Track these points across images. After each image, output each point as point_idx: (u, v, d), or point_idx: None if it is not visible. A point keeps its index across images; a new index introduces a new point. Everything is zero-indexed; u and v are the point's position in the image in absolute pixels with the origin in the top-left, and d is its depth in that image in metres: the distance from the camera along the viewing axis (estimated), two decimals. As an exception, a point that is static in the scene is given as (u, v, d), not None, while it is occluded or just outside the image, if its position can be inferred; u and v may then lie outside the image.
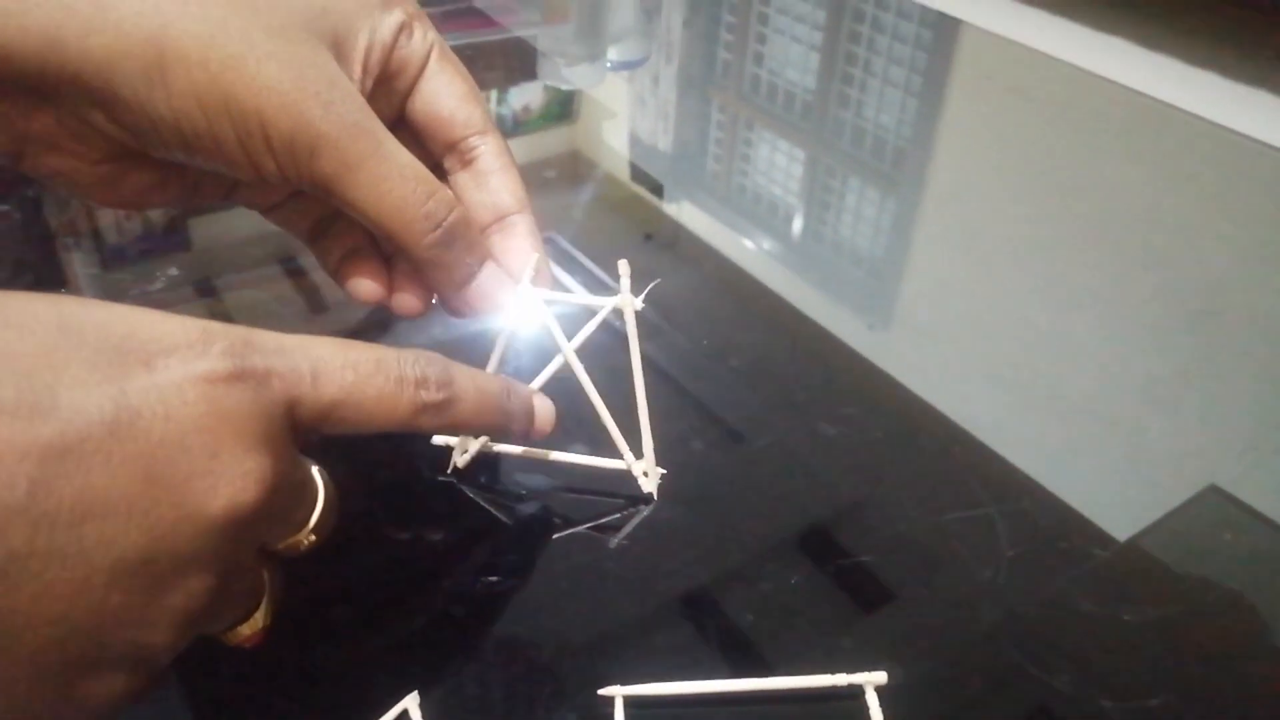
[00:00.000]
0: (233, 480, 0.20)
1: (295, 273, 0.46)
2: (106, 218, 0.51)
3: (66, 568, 0.18)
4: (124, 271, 0.47)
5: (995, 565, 0.31)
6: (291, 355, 0.23)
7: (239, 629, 0.24)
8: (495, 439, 0.33)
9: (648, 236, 0.53)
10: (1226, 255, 0.52)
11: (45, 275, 0.47)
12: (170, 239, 0.50)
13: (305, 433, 0.23)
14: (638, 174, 0.61)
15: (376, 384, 0.24)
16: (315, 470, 0.25)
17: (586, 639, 0.29)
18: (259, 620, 0.24)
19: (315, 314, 0.44)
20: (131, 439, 0.19)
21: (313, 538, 0.25)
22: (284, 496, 0.22)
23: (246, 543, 0.22)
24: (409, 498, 0.34)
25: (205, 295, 0.44)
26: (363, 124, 0.27)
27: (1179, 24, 0.71)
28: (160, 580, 0.19)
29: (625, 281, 0.31)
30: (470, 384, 0.27)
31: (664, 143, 0.64)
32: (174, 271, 0.47)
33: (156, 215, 0.51)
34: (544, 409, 0.31)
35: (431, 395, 0.25)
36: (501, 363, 0.33)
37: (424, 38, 0.30)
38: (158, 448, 0.19)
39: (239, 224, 0.51)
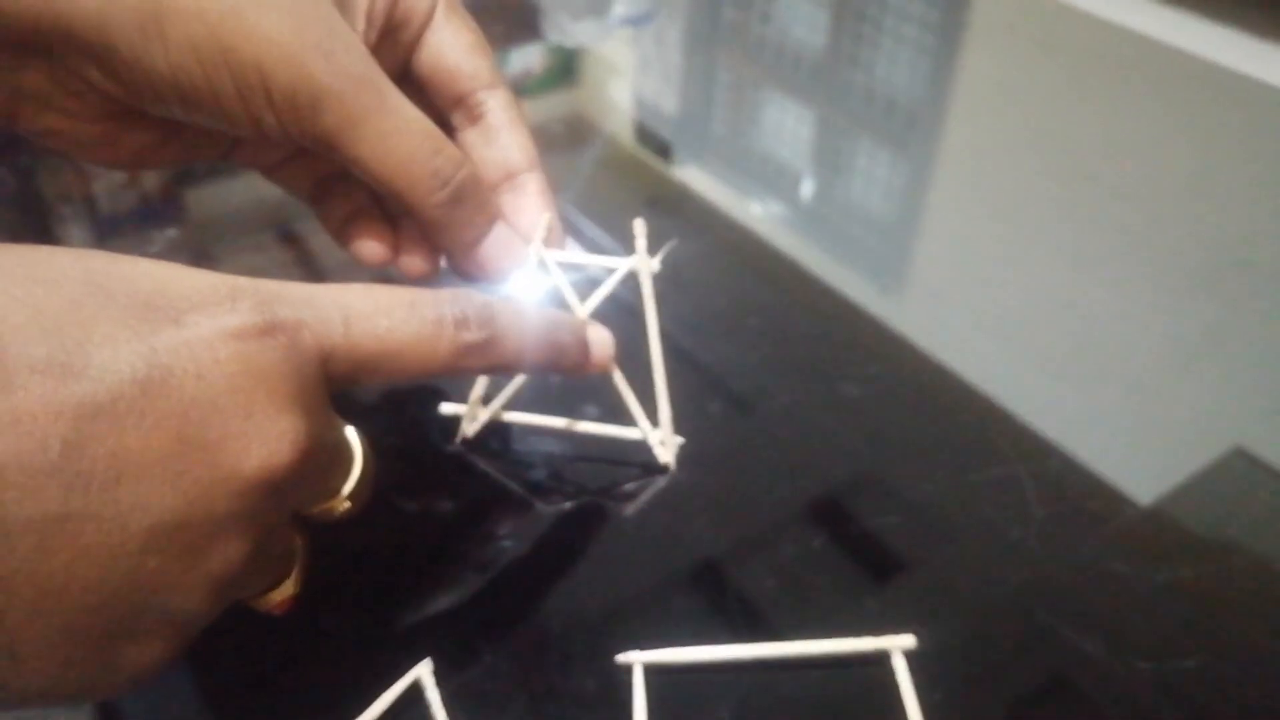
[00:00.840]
0: (266, 441, 0.20)
1: (292, 239, 0.46)
2: (101, 186, 0.50)
3: (102, 530, 0.18)
4: (119, 240, 0.47)
5: (1024, 526, 0.31)
6: (322, 305, 0.22)
7: (270, 595, 0.24)
8: (546, 375, 0.30)
9: (653, 201, 0.52)
10: (1252, 211, 0.51)
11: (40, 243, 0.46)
12: (165, 207, 0.49)
13: (341, 384, 0.23)
14: (642, 137, 0.59)
15: (413, 328, 0.23)
16: (352, 433, 0.24)
17: (603, 605, 0.28)
18: (289, 587, 0.24)
19: (315, 280, 0.43)
20: (164, 397, 0.18)
21: (348, 504, 0.24)
22: (319, 458, 0.22)
23: (281, 506, 0.21)
24: (419, 467, 0.33)
25: (202, 261, 0.43)
26: (367, 76, 0.26)
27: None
28: (195, 544, 0.19)
29: (641, 242, 0.31)
30: (514, 320, 0.26)
31: (669, 105, 0.63)
32: (171, 234, 0.46)
33: (151, 183, 0.50)
34: (600, 340, 0.30)
35: (473, 335, 0.24)
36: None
37: (430, -12, 0.29)
38: (190, 407, 0.19)
39: (235, 192, 0.50)
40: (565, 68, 0.65)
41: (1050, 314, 0.43)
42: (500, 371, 0.27)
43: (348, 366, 0.22)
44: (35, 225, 0.48)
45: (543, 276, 0.31)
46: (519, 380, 0.32)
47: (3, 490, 0.17)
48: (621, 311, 0.33)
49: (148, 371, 0.18)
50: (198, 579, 0.19)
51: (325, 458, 0.22)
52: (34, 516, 0.17)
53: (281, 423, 0.20)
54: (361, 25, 0.28)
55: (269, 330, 0.20)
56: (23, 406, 0.17)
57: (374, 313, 0.23)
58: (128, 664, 0.19)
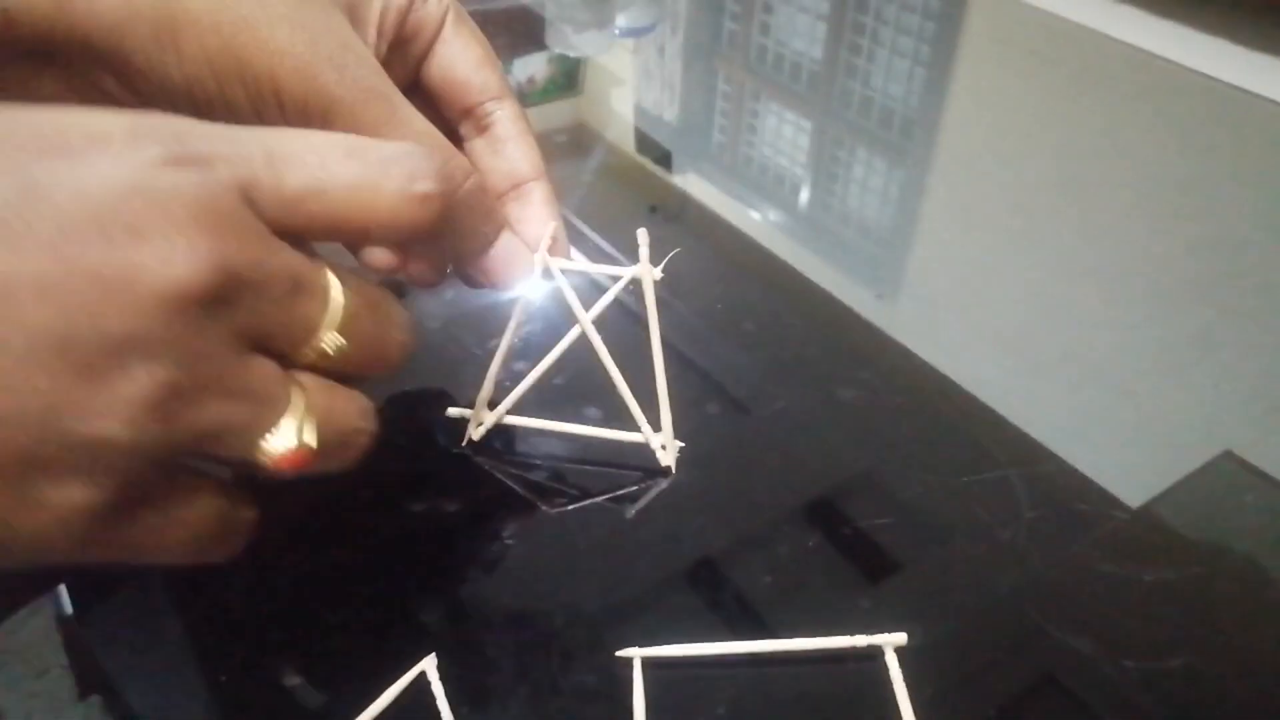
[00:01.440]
0: (160, 255, 0.19)
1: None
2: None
3: None
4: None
5: (1014, 527, 0.31)
6: (242, 141, 0.21)
7: (269, 447, 0.21)
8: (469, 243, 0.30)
9: (653, 208, 0.53)
10: (1242, 219, 0.52)
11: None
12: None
13: (278, 228, 0.22)
14: (643, 146, 0.60)
15: (352, 170, 0.22)
16: (332, 270, 0.23)
17: (604, 602, 0.29)
18: (292, 435, 0.22)
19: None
20: (38, 217, 0.18)
21: (340, 341, 0.22)
22: (249, 281, 0.20)
23: (207, 330, 0.20)
24: (426, 468, 0.34)
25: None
26: (377, 88, 0.27)
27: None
28: (90, 363, 0.18)
29: (644, 251, 0.31)
30: (469, 175, 0.26)
31: (670, 114, 0.64)
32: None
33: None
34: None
35: (425, 187, 0.23)
36: (517, 333, 0.32)
37: (439, 1, 0.30)
38: (69, 226, 0.18)
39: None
40: (568, 77, 0.66)
41: (1042, 320, 0.44)
42: (437, 232, 0.25)
43: (276, 206, 0.21)
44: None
45: (548, 284, 0.32)
46: (524, 385, 0.33)
47: None
48: (622, 317, 0.33)
49: (20, 195, 0.18)
50: (105, 403, 0.18)
51: (264, 282, 0.21)
52: None
53: (182, 241, 0.19)
54: (373, 38, 0.29)
55: (174, 161, 0.20)
56: None
57: (305, 150, 0.22)
58: (49, 504, 0.19)
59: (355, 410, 0.24)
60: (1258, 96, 0.60)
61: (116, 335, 0.18)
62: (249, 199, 0.21)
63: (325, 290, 0.22)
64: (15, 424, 0.18)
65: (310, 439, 0.22)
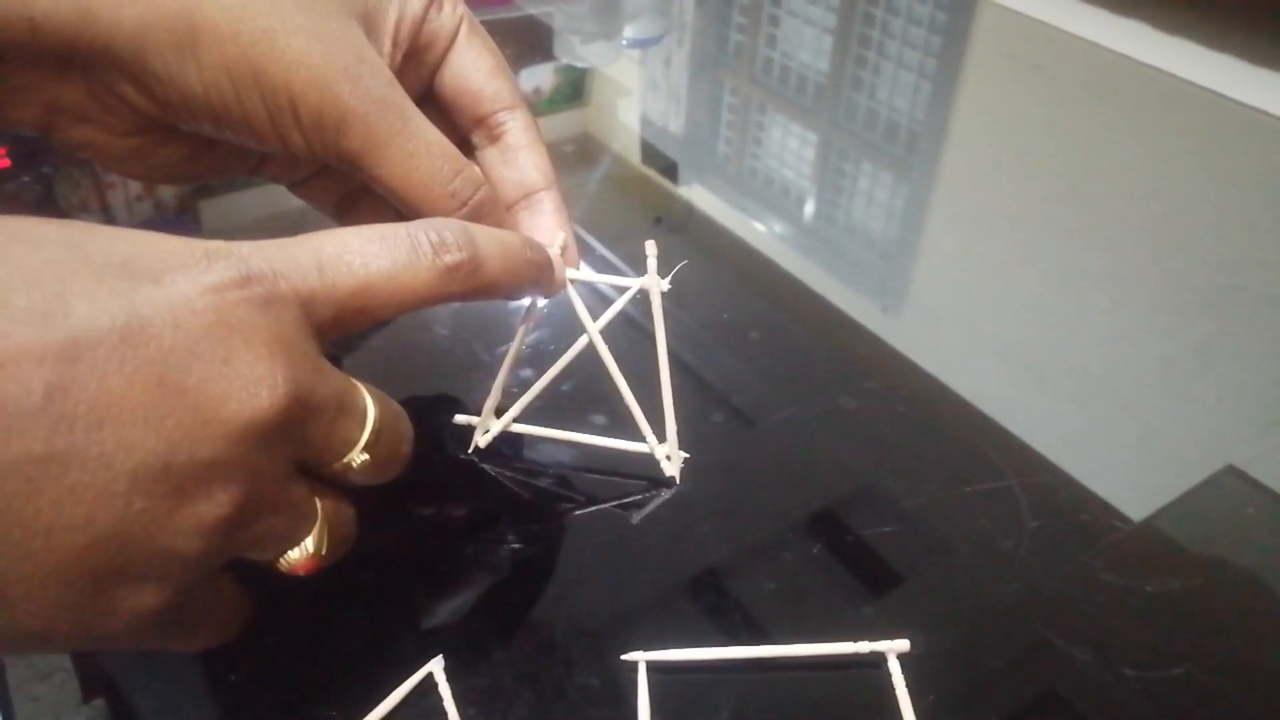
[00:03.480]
0: (246, 386, 0.20)
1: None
2: (117, 198, 0.51)
3: (87, 471, 0.18)
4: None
5: (1017, 537, 0.32)
6: (294, 254, 0.22)
7: (290, 556, 0.23)
8: (517, 296, 0.30)
9: (658, 219, 0.53)
10: (1245, 234, 0.52)
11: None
12: (180, 219, 0.50)
13: (331, 330, 0.23)
14: (649, 157, 0.61)
15: (389, 258, 0.23)
16: (366, 390, 0.24)
17: (609, 607, 0.29)
18: (310, 546, 0.23)
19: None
20: (144, 345, 0.19)
21: (364, 457, 0.24)
22: (309, 405, 0.22)
23: (274, 454, 0.21)
24: (434, 474, 0.34)
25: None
26: (390, 99, 0.27)
27: (1200, 8, 0.71)
28: (182, 486, 0.19)
29: (652, 263, 0.31)
30: (493, 241, 0.26)
31: (675, 125, 0.64)
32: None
33: (166, 195, 0.51)
34: (559, 257, 0.30)
35: (454, 256, 0.25)
36: (524, 340, 0.33)
37: (453, 11, 0.30)
38: (169, 354, 0.19)
39: (248, 205, 0.51)
40: (574, 88, 0.67)
41: (1046, 333, 0.44)
42: (484, 295, 0.26)
43: (330, 310, 0.23)
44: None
45: (563, 297, 0.32)
46: (531, 393, 0.33)
47: None
48: (627, 326, 0.34)
49: (126, 321, 0.19)
50: (188, 522, 0.20)
51: (321, 407, 0.22)
52: (19, 458, 0.18)
53: (259, 369, 0.20)
54: (387, 48, 0.29)
55: (244, 283, 0.21)
56: (6, 353, 0.17)
57: (345, 251, 0.23)
58: (123, 608, 0.20)
59: (352, 519, 0.25)
60: (1261, 112, 0.60)
61: (207, 461, 0.20)
62: (308, 311, 0.22)
63: (364, 412, 0.24)
64: (110, 539, 0.19)
65: (323, 548, 0.24)
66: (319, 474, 0.24)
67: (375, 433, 0.24)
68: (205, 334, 0.20)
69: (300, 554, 0.23)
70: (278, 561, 0.24)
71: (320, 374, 0.22)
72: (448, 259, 0.25)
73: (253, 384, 0.20)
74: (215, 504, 0.20)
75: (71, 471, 0.18)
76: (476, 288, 0.26)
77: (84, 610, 0.19)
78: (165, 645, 0.23)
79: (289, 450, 0.22)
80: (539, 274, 0.28)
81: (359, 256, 0.23)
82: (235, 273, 0.21)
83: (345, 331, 0.24)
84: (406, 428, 0.26)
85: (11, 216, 0.20)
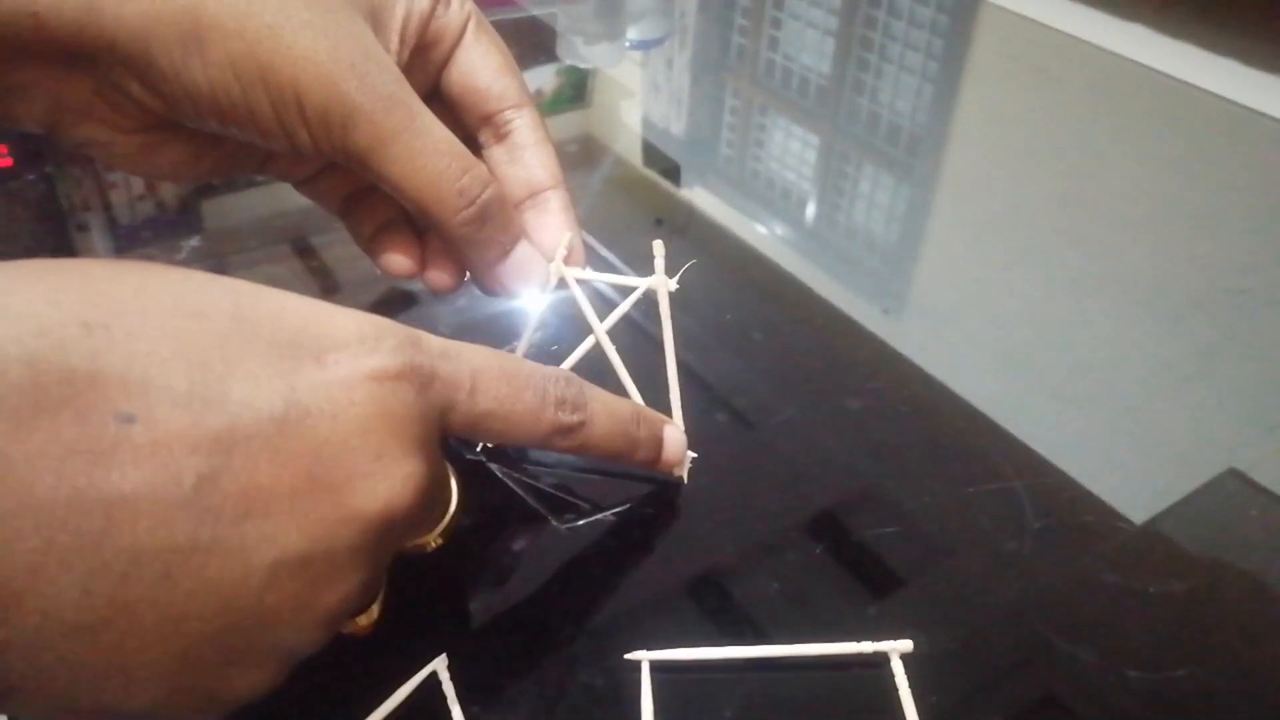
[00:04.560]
0: (391, 482, 0.20)
1: (308, 251, 0.47)
2: (120, 197, 0.51)
3: (227, 564, 0.18)
4: (136, 252, 0.48)
5: (1020, 538, 0.32)
6: (455, 361, 0.23)
7: (356, 620, 0.24)
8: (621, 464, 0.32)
9: (660, 221, 0.53)
10: (1247, 237, 0.52)
11: (58, 255, 0.47)
12: (182, 218, 0.50)
13: (454, 436, 0.24)
14: (651, 158, 0.61)
15: (525, 399, 0.25)
16: (450, 475, 0.26)
17: (613, 606, 0.29)
18: (374, 611, 0.24)
19: (330, 293, 0.44)
20: (299, 436, 0.19)
21: (439, 541, 0.25)
22: (432, 500, 0.22)
23: (395, 544, 0.22)
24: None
25: (220, 270, 0.44)
26: (398, 96, 0.27)
27: (1201, 11, 0.71)
28: (315, 581, 0.20)
29: (659, 263, 0.31)
30: (603, 409, 0.27)
31: (677, 127, 0.64)
32: (195, 243, 0.47)
33: (169, 195, 0.51)
34: (674, 439, 0.31)
35: (569, 417, 0.26)
36: (530, 341, 0.33)
37: (461, 8, 0.30)
38: (323, 446, 0.19)
39: (250, 204, 0.51)
40: (577, 89, 0.67)
41: (1048, 335, 0.44)
42: (582, 453, 0.28)
43: (464, 423, 0.23)
44: (56, 233, 0.49)
45: (563, 293, 0.32)
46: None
47: (135, 519, 0.17)
48: (629, 327, 0.34)
49: (285, 410, 0.19)
50: (313, 615, 0.20)
51: (435, 500, 0.23)
52: (163, 546, 0.17)
53: (407, 466, 0.21)
54: (395, 44, 0.29)
55: (404, 375, 0.21)
56: (161, 439, 0.17)
57: (498, 378, 0.24)
58: (231, 691, 0.20)
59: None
60: (1264, 115, 0.60)
61: (342, 555, 0.20)
62: (447, 416, 0.23)
63: (451, 498, 0.26)
64: (239, 631, 0.19)
65: (381, 610, 0.25)
66: None
67: (452, 517, 0.26)
68: (360, 426, 0.20)
69: (367, 618, 0.24)
70: (345, 626, 0.24)
71: (442, 470, 0.24)
72: (563, 417, 0.26)
73: (399, 481, 0.20)
74: (342, 596, 0.20)
75: (211, 564, 0.18)
76: (572, 446, 0.27)
77: (197, 693, 0.19)
78: None
79: (405, 539, 0.23)
80: (635, 449, 0.29)
81: (506, 386, 0.24)
82: (398, 361, 0.21)
83: (467, 439, 0.25)
84: (463, 505, 0.27)
85: (179, 275, 0.19)
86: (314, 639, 0.20)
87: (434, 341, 0.23)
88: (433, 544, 0.25)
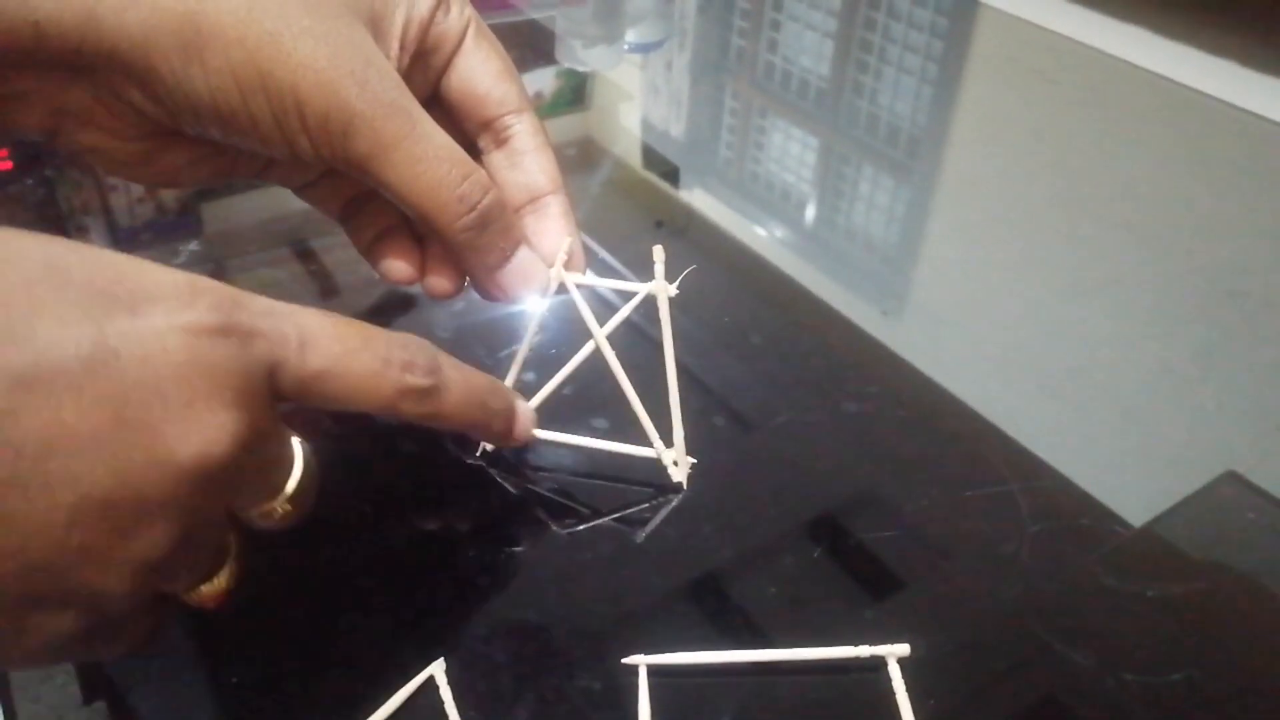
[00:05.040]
0: (205, 431, 0.20)
1: (307, 255, 0.47)
2: (119, 201, 0.51)
3: (28, 499, 0.18)
4: (142, 251, 0.48)
5: (1017, 541, 0.32)
6: (280, 319, 0.22)
7: (200, 589, 0.24)
8: (471, 438, 0.31)
9: (659, 223, 0.54)
10: (1245, 239, 0.52)
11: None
12: (181, 221, 0.51)
13: (286, 399, 0.23)
14: (650, 161, 0.61)
15: (363, 361, 0.24)
16: (296, 442, 0.25)
17: (610, 610, 0.29)
18: (221, 582, 0.24)
19: (329, 297, 0.44)
20: (106, 378, 0.19)
21: (288, 507, 0.24)
22: (257, 457, 0.22)
23: (214, 498, 0.21)
24: (441, 478, 0.34)
25: (220, 275, 0.44)
26: (398, 103, 0.27)
27: (1200, 14, 0.71)
28: (122, 524, 0.19)
29: (659, 268, 0.32)
30: (457, 375, 0.27)
31: (677, 129, 0.65)
32: (194, 246, 0.47)
33: (169, 198, 0.51)
34: (525, 415, 0.31)
35: (417, 380, 0.25)
36: (529, 345, 0.33)
37: (461, 13, 0.30)
38: (132, 390, 0.19)
39: (250, 207, 0.51)
40: (576, 92, 0.67)
41: (1047, 337, 0.44)
42: (434, 423, 0.27)
43: (294, 383, 0.23)
44: (55, 235, 0.49)
45: (563, 297, 0.32)
46: (538, 398, 0.33)
47: None
48: (628, 331, 0.34)
49: (92, 350, 0.19)
50: (121, 559, 0.20)
51: (265, 458, 0.23)
52: None
53: (221, 416, 0.20)
54: (395, 51, 0.29)
55: (223, 331, 0.21)
56: None
57: (330, 338, 0.23)
58: (38, 633, 0.20)
59: (241, 554, 0.25)
60: (1261, 118, 0.60)
61: (152, 500, 0.19)
62: (274, 376, 0.22)
63: (292, 463, 0.24)
64: (40, 569, 0.19)
65: (232, 583, 0.24)
66: (239, 513, 0.24)
67: (300, 484, 0.24)
68: (173, 373, 0.20)
69: (211, 588, 0.24)
70: (188, 594, 0.23)
71: (274, 431, 0.23)
72: (409, 379, 0.25)
73: (213, 430, 0.20)
74: (151, 543, 0.20)
75: (11, 499, 0.18)
76: (426, 414, 0.26)
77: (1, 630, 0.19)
78: (77, 660, 0.23)
79: (229, 495, 0.22)
80: (490, 420, 0.29)
81: (340, 346, 0.23)
82: (216, 318, 0.21)
83: (300, 404, 0.24)
84: (317, 480, 0.26)
85: None
86: (124, 586, 0.20)
87: (258, 301, 0.22)
88: (279, 510, 0.24)
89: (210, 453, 0.20)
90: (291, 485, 0.24)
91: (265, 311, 0.22)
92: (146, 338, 0.19)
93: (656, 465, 0.33)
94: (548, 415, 0.34)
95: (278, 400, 0.23)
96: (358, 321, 0.25)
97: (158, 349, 0.19)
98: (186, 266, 0.46)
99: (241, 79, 0.26)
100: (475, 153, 0.32)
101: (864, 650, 0.27)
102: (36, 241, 0.20)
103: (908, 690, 0.27)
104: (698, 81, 0.69)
